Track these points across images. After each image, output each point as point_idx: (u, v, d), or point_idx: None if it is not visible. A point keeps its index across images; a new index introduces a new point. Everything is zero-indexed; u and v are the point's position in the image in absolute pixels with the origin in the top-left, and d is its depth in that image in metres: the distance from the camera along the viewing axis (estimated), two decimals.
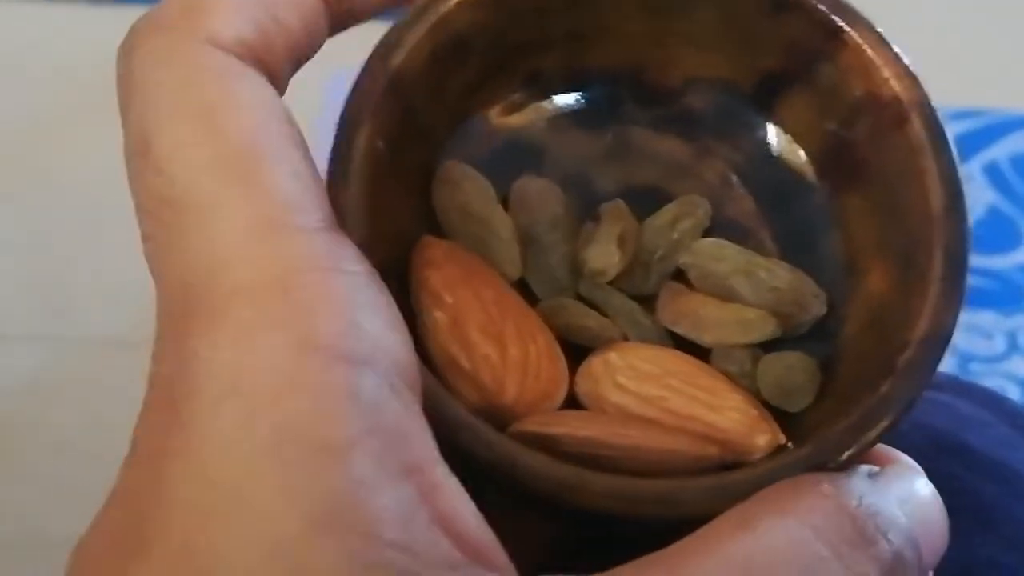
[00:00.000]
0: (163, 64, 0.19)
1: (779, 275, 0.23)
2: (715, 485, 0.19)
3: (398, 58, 0.21)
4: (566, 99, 0.25)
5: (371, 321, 0.17)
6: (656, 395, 0.21)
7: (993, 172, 0.78)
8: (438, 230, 0.23)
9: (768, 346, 0.23)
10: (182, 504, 0.16)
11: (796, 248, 0.24)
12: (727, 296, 0.23)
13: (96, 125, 0.83)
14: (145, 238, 0.18)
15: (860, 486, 0.19)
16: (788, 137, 0.24)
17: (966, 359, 0.71)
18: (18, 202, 0.83)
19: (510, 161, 0.24)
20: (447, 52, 0.22)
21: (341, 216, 0.20)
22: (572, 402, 0.22)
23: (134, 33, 0.19)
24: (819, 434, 0.20)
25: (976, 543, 0.30)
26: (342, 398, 0.16)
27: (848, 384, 0.22)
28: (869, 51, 0.22)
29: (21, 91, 0.88)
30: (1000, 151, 0.78)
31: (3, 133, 0.86)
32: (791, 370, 0.23)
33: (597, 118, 0.25)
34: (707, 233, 0.24)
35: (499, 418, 0.21)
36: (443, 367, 0.21)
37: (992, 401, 0.35)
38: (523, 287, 0.23)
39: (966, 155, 0.79)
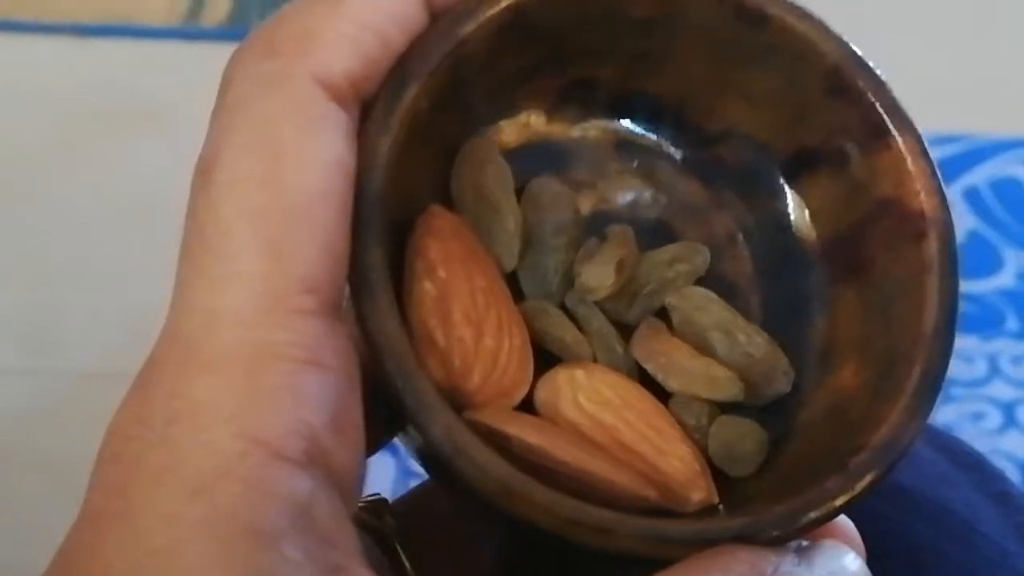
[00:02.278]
0: (259, 92, 0.19)
1: (756, 342, 0.24)
2: (652, 528, 0.19)
3: (467, 28, 0.21)
4: (609, 116, 0.25)
5: (322, 424, 0.18)
6: (611, 424, 0.22)
7: (973, 197, 0.79)
8: (450, 203, 0.23)
9: (726, 407, 0.23)
10: (120, 568, 0.16)
11: (780, 322, 0.24)
12: (702, 348, 0.24)
13: (85, 158, 0.82)
14: (180, 257, 0.19)
15: (782, 560, 0.19)
16: (804, 214, 0.25)
17: (948, 383, 0.73)
18: (3, 234, 0.82)
19: (535, 159, 0.24)
20: (512, 37, 0.22)
21: (369, 163, 0.20)
22: (528, 406, 0.22)
23: (243, 49, 0.19)
24: (756, 509, 0.21)
25: None
26: (274, 496, 0.17)
27: (792, 466, 0.23)
28: (909, 160, 0.23)
29: (10, 123, 0.87)
30: (980, 176, 0.79)
31: None
32: (742, 437, 0.23)
33: (630, 142, 0.25)
34: (699, 282, 0.24)
35: (456, 402, 0.21)
36: (420, 338, 0.21)
37: (931, 437, 0.35)
38: (513, 281, 0.23)
39: (947, 180, 0.82)
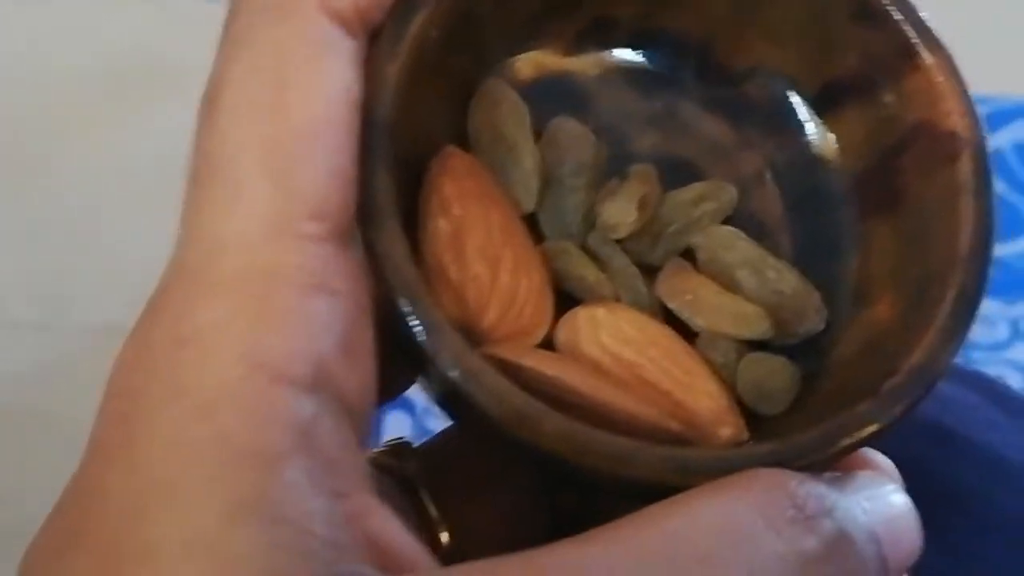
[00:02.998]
0: (264, 21, 0.19)
1: (786, 279, 0.23)
2: (670, 455, 0.19)
3: None
4: (629, 54, 0.24)
5: (330, 347, 0.17)
6: (633, 360, 0.21)
7: (997, 160, 0.78)
8: (467, 146, 0.23)
9: (757, 346, 0.23)
10: (119, 498, 0.16)
11: (812, 260, 0.23)
12: (730, 286, 0.23)
13: (101, 118, 0.82)
14: (186, 188, 0.18)
15: (811, 482, 0.19)
16: (836, 149, 0.24)
17: (968, 348, 0.73)
18: (15, 192, 0.82)
19: (556, 100, 0.24)
20: None
21: (377, 89, 0.19)
22: (550, 348, 0.21)
23: None
24: (784, 437, 0.20)
25: (954, 528, 0.29)
26: (276, 418, 0.17)
27: (825, 402, 0.22)
28: (939, 79, 0.22)
29: (25, 85, 0.87)
30: (1004, 139, 0.78)
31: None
32: (772, 373, 0.22)
33: (653, 81, 0.24)
34: (727, 221, 0.24)
35: (472, 340, 0.20)
36: (433, 274, 0.21)
37: (980, 383, 0.34)
38: (534, 224, 0.23)
39: None
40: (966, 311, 0.20)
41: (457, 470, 0.23)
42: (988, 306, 0.81)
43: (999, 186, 0.75)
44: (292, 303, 0.17)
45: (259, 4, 0.19)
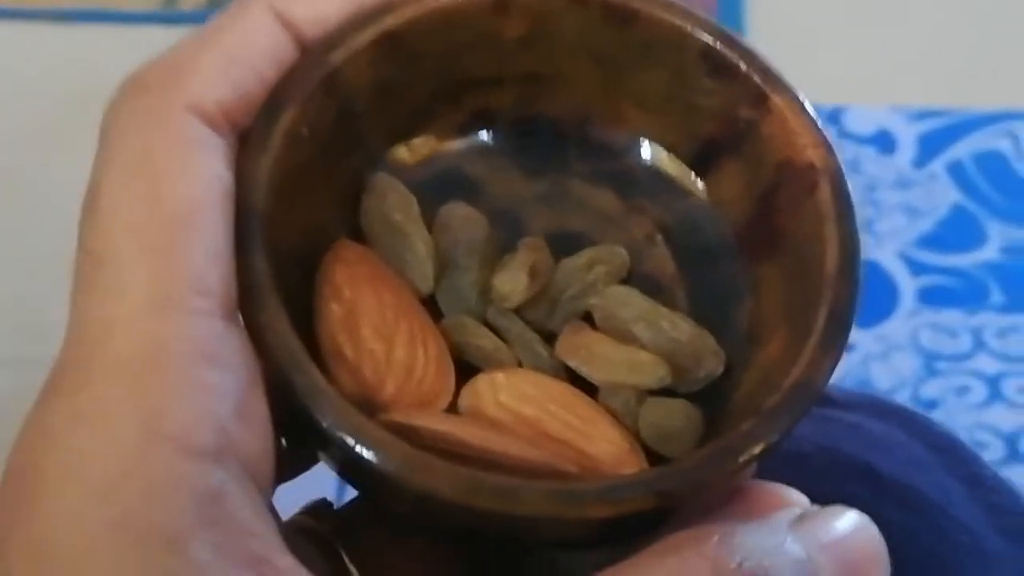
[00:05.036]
0: (135, 125, 0.20)
1: (681, 328, 0.24)
2: (557, 488, 0.19)
3: (337, 56, 0.22)
4: (512, 139, 0.26)
5: (228, 414, 0.18)
6: (533, 416, 0.22)
7: (957, 171, 0.79)
8: (362, 239, 0.24)
9: (659, 395, 0.23)
10: None
11: (707, 310, 0.24)
12: (627, 340, 0.24)
13: (67, 144, 0.80)
14: (73, 285, 0.19)
15: (746, 537, 0.18)
16: (719, 203, 0.25)
17: (932, 358, 0.72)
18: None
19: (445, 188, 0.25)
20: (393, 68, 0.23)
21: (249, 179, 0.20)
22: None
23: (120, 89, 0.21)
24: (669, 464, 0.20)
25: None
26: (181, 491, 0.17)
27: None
28: (790, 118, 0.23)
29: None
30: (964, 150, 0.80)
31: None
32: (672, 414, 0.23)
33: (538, 162, 0.26)
34: (623, 284, 0.25)
35: (373, 413, 0.21)
36: (328, 355, 0.21)
37: (905, 419, 0.34)
38: (433, 307, 0.24)
39: (931, 154, 0.80)
40: (838, 329, 0.21)
41: (375, 527, 0.23)
42: (951, 316, 0.82)
43: (959, 197, 0.77)
44: (185, 373, 0.18)
45: (131, 107, 0.20)
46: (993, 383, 0.72)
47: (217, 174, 0.20)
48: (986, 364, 0.72)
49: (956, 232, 0.77)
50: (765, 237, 0.24)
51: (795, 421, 0.20)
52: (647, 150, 0.26)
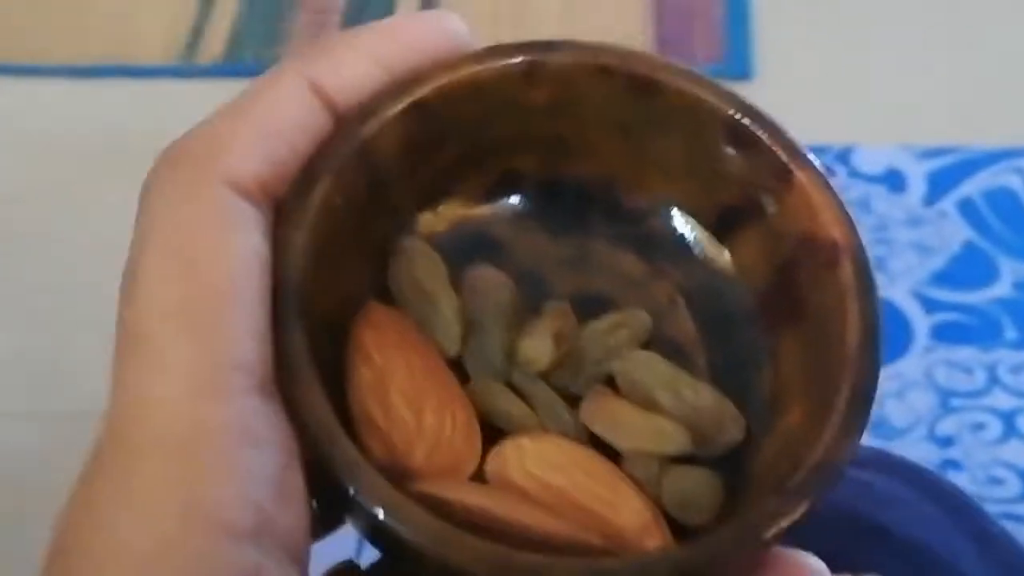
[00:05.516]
0: (172, 199, 0.20)
1: (703, 395, 0.24)
2: (586, 566, 0.19)
3: (371, 127, 0.23)
4: (537, 201, 0.26)
5: (266, 494, 0.18)
6: (559, 484, 0.22)
7: (968, 208, 0.80)
8: (391, 302, 0.24)
9: (681, 461, 0.24)
10: None
11: (728, 376, 0.25)
12: (650, 407, 0.24)
13: (90, 198, 0.83)
14: (113, 364, 0.19)
15: None
16: (739, 270, 0.26)
17: (947, 395, 0.73)
18: (11, 276, 0.84)
19: (471, 250, 0.25)
20: (422, 135, 0.24)
21: (285, 254, 0.21)
22: (482, 481, 0.22)
23: (158, 161, 0.21)
24: (696, 539, 0.21)
25: None
26: (218, 570, 0.17)
27: (748, 509, 0.23)
28: (813, 194, 0.24)
29: (9, 167, 0.89)
30: (974, 187, 0.80)
31: None
32: (695, 484, 0.23)
33: (563, 225, 0.26)
34: (645, 347, 0.25)
35: (403, 481, 0.21)
36: (359, 422, 0.22)
37: (914, 477, 0.35)
38: (460, 369, 0.24)
39: (941, 192, 0.81)
40: (860, 404, 0.22)
41: None
42: (965, 353, 0.83)
43: (971, 234, 0.78)
44: (224, 455, 0.18)
45: (166, 183, 0.20)
46: (1008, 419, 0.73)
47: (254, 248, 0.20)
48: (1001, 400, 0.73)
49: (968, 269, 0.77)
50: (786, 306, 0.25)
51: (819, 499, 0.21)
52: (670, 215, 0.26)
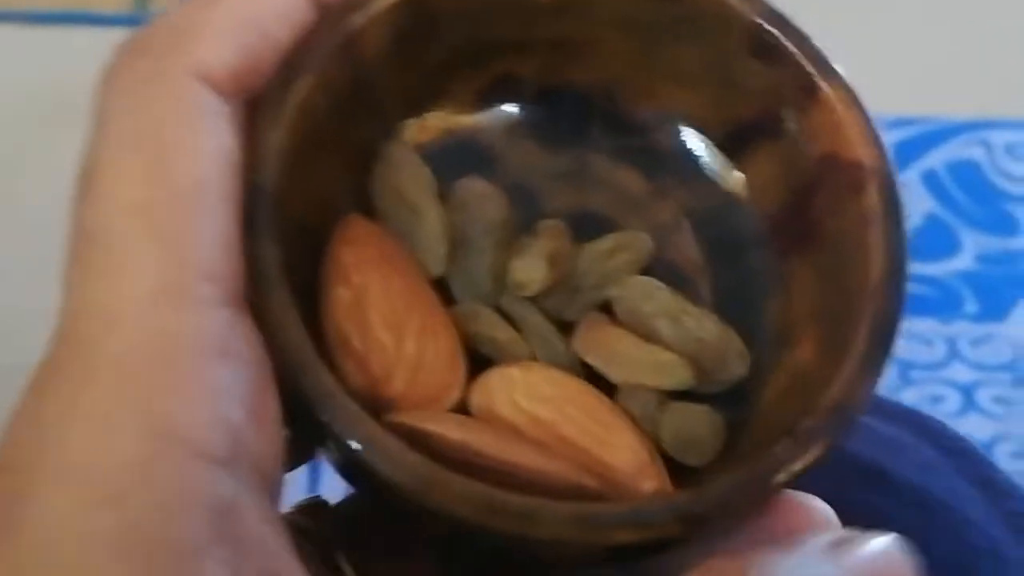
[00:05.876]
0: (136, 92, 0.18)
1: (706, 327, 0.22)
2: (577, 512, 0.18)
3: (357, 20, 0.21)
4: (534, 109, 0.24)
5: (239, 415, 0.16)
6: (550, 419, 0.20)
7: (931, 180, 0.80)
8: (372, 213, 0.22)
9: (681, 396, 0.22)
10: None
11: (733, 306, 0.23)
12: (649, 337, 0.22)
13: (37, 150, 0.80)
14: (66, 265, 0.18)
15: (782, 569, 0.17)
16: (750, 191, 0.24)
17: (907, 367, 0.72)
18: None
19: (462, 160, 0.23)
20: (414, 32, 0.22)
21: (259, 157, 0.19)
22: (465, 413, 0.21)
23: (118, 52, 0.19)
24: (698, 483, 0.19)
25: None
26: (193, 501, 0.15)
27: (753, 449, 0.21)
28: (840, 110, 0.22)
29: None
30: (937, 159, 0.80)
31: None
32: (695, 423, 0.22)
33: (560, 135, 0.24)
34: (645, 272, 0.23)
35: (380, 409, 0.20)
36: (335, 345, 0.20)
37: (916, 422, 0.34)
38: (445, 288, 0.22)
39: (905, 163, 0.81)
40: (881, 344, 0.20)
41: (374, 532, 0.22)
42: (925, 325, 0.81)
43: (933, 206, 0.76)
44: (196, 371, 0.16)
45: (131, 72, 0.18)
46: (967, 392, 0.73)
47: (224, 147, 0.18)
48: (961, 373, 0.73)
49: (930, 241, 0.77)
50: (800, 231, 0.23)
51: (831, 446, 0.19)
52: (677, 129, 0.24)
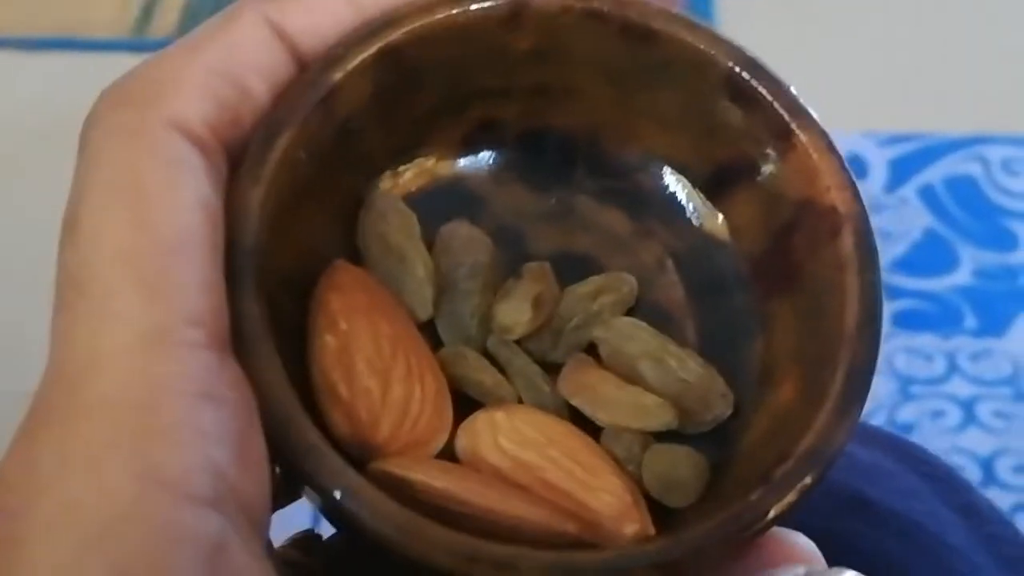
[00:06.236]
0: (116, 141, 0.19)
1: (689, 367, 0.23)
2: (556, 561, 0.18)
3: (337, 74, 0.21)
4: (518, 153, 0.24)
5: (225, 456, 0.17)
6: (533, 462, 0.21)
7: (929, 195, 0.80)
8: (359, 261, 0.23)
9: (665, 437, 0.22)
10: None
11: (717, 345, 0.23)
12: (633, 378, 0.23)
13: (32, 175, 0.79)
14: (54, 311, 0.18)
15: None
16: (732, 232, 0.24)
17: (907, 382, 0.73)
18: None
19: (447, 204, 0.24)
20: (394, 83, 0.22)
21: (241, 214, 0.19)
22: (452, 456, 0.21)
23: (99, 102, 0.19)
24: (674, 532, 0.19)
25: None
26: (180, 541, 0.16)
27: (736, 490, 0.22)
28: (815, 156, 0.22)
29: None
30: (935, 174, 0.80)
31: None
32: (677, 464, 0.22)
33: (545, 178, 0.24)
34: (630, 313, 0.24)
35: (367, 456, 0.20)
36: (321, 392, 0.20)
37: (895, 448, 0.34)
38: (433, 332, 0.23)
39: (902, 179, 0.81)
40: (857, 390, 0.20)
41: (364, 567, 0.22)
42: (924, 340, 0.81)
43: (931, 221, 0.77)
44: (181, 414, 0.17)
45: (108, 125, 0.19)
46: (968, 407, 0.73)
47: (202, 199, 0.19)
48: (961, 388, 0.73)
49: (929, 256, 0.77)
50: (781, 273, 0.23)
51: (808, 491, 0.20)
52: (660, 171, 0.24)
